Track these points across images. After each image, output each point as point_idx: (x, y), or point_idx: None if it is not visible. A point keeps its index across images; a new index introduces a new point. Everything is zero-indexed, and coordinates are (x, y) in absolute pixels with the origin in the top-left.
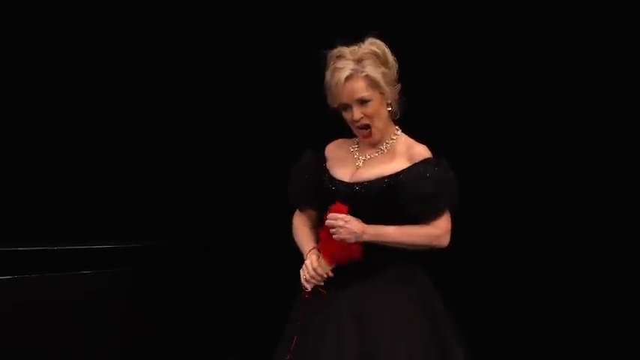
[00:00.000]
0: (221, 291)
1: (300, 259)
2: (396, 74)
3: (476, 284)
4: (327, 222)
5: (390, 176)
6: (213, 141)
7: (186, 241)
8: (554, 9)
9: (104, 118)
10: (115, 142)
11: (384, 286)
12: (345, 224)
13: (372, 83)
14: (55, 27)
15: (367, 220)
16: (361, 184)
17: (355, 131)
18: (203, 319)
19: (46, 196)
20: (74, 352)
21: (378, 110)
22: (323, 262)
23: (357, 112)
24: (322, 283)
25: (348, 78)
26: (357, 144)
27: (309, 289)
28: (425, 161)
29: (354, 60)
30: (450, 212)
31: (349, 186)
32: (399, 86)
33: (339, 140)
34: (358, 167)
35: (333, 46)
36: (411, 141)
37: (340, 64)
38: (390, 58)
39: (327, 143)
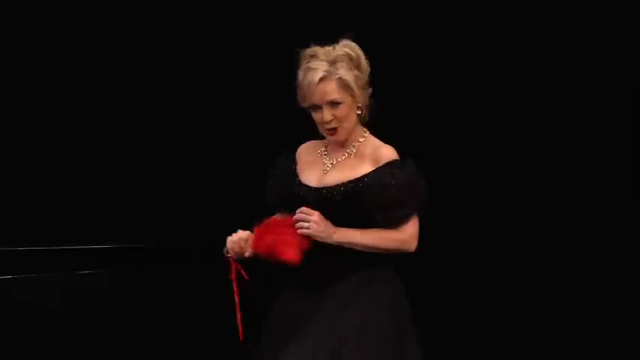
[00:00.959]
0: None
1: None
2: (367, 78)
3: (461, 286)
4: (298, 214)
5: (355, 180)
6: (212, 141)
7: (187, 241)
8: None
9: (101, 116)
10: (113, 142)
11: (355, 289)
12: (319, 221)
13: (345, 86)
14: (51, 27)
15: (334, 224)
16: (327, 188)
17: (322, 131)
18: (203, 320)
19: (43, 196)
20: (74, 352)
21: (348, 113)
22: (250, 242)
23: (327, 114)
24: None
25: (321, 79)
26: (326, 146)
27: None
28: (390, 164)
29: (327, 61)
30: (418, 216)
31: (316, 191)
32: (370, 90)
33: (310, 142)
34: (326, 172)
35: (307, 46)
36: (378, 143)
37: (314, 64)
38: (363, 61)
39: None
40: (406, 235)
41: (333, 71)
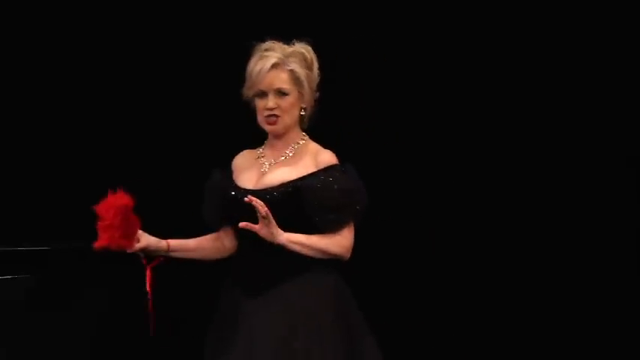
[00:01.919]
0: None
1: None
2: (317, 83)
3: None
4: (257, 205)
5: (295, 181)
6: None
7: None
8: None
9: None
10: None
11: (304, 291)
12: (271, 221)
13: (295, 79)
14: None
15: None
16: (266, 189)
17: (261, 121)
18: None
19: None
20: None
21: (292, 107)
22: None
23: (271, 101)
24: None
25: (273, 66)
26: (263, 150)
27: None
28: (331, 167)
29: (282, 54)
30: (355, 223)
31: (254, 193)
32: (317, 94)
33: (245, 151)
34: (264, 172)
35: (263, 41)
36: (318, 147)
37: (267, 53)
38: (316, 65)
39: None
40: (347, 242)
41: (286, 62)
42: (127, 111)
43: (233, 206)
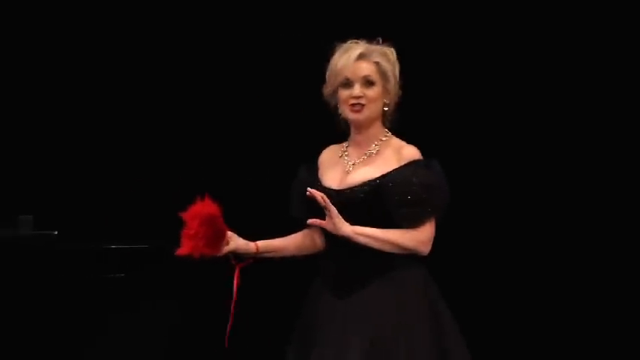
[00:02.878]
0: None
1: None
2: (398, 82)
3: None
4: (316, 196)
5: (376, 179)
6: (217, 143)
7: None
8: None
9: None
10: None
11: (391, 288)
12: (332, 211)
13: (381, 72)
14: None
15: (357, 224)
16: (349, 189)
17: (345, 110)
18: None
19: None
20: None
21: (377, 99)
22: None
23: (358, 89)
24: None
25: (360, 56)
26: (347, 148)
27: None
28: (414, 162)
29: (367, 48)
30: (436, 219)
31: (338, 192)
32: (399, 92)
33: (331, 147)
34: (348, 172)
35: (344, 41)
36: (401, 142)
37: (353, 46)
38: (397, 66)
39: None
40: (424, 236)
41: (372, 55)
42: (215, 114)
43: (317, 204)
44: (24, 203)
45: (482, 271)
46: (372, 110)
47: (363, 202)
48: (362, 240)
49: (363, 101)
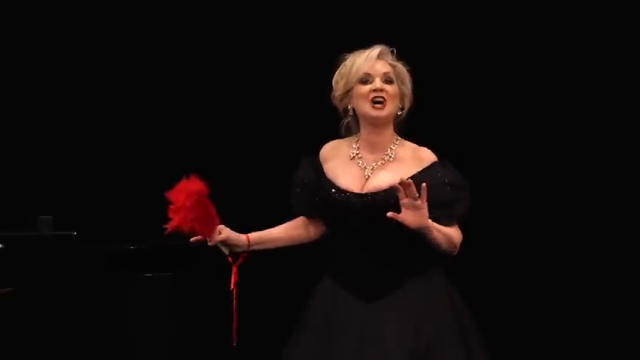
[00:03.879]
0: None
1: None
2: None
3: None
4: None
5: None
6: (219, 143)
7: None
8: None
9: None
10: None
11: (421, 293)
12: (423, 205)
13: (398, 75)
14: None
15: (383, 229)
16: (375, 193)
17: (365, 106)
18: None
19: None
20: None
21: (396, 98)
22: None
23: (379, 83)
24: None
25: (380, 55)
26: (358, 149)
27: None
28: (436, 164)
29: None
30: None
31: (362, 196)
32: (412, 98)
33: (332, 143)
34: (367, 177)
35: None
36: (414, 145)
37: (372, 47)
38: (410, 79)
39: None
40: (460, 234)
41: (389, 57)
42: (231, 118)
43: (337, 207)
44: (44, 204)
45: (483, 271)
46: (392, 108)
47: (394, 207)
48: (435, 233)
49: (384, 95)
